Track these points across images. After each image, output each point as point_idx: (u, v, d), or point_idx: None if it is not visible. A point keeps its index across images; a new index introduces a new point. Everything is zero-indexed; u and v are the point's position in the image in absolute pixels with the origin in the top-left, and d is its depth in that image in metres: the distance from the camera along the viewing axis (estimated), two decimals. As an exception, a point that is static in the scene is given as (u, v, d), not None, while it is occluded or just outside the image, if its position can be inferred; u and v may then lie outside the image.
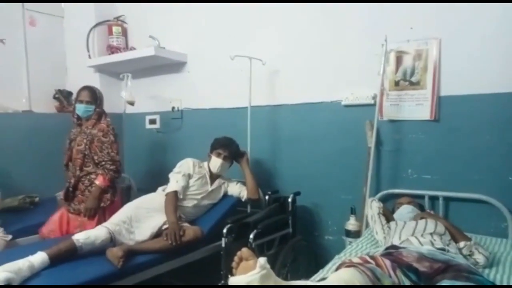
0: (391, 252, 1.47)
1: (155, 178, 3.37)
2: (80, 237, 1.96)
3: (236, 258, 1.10)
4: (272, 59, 2.68)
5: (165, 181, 2.72)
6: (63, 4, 3.68)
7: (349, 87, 2.43)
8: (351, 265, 1.26)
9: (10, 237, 2.40)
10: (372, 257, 1.35)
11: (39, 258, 1.78)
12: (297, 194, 2.53)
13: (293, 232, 2.48)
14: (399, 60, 2.27)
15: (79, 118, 2.61)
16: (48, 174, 3.17)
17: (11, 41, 3.36)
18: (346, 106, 2.46)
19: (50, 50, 3.62)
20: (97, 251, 1.99)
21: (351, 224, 2.32)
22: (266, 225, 2.22)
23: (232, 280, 1.07)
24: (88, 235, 2.00)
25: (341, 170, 2.51)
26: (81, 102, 2.56)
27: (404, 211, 2.02)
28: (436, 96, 2.16)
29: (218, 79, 3.04)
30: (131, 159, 3.54)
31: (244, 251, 1.09)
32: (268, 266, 1.06)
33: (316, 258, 2.54)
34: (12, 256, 1.76)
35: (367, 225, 2.20)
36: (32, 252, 1.82)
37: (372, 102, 2.33)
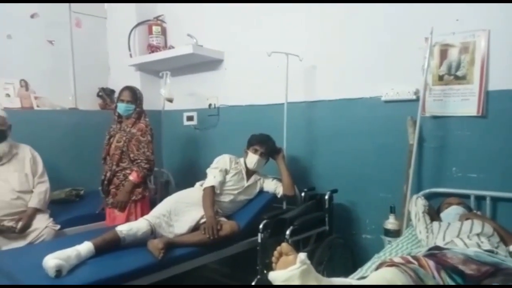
0: (435, 253, 1.41)
1: (192, 173, 3.45)
2: (123, 229, 2.05)
3: (276, 253, 1.10)
4: (309, 54, 2.66)
5: (202, 176, 2.77)
6: (106, 5, 3.84)
7: (389, 82, 2.36)
8: (392, 264, 1.23)
9: (58, 227, 2.54)
10: (415, 257, 1.31)
11: (86, 247, 1.87)
12: (334, 191, 2.50)
13: (329, 229, 2.46)
14: (443, 54, 2.17)
15: (119, 116, 2.71)
16: (92, 168, 3.30)
17: (59, 42, 3.55)
18: (386, 101, 2.39)
19: (94, 50, 3.79)
20: (139, 243, 2.06)
21: (390, 223, 2.26)
22: (302, 222, 2.21)
23: (272, 275, 1.07)
24: (131, 227, 2.08)
25: (380, 167, 2.45)
26: (122, 101, 2.66)
27: (453, 212, 1.94)
28: (484, 91, 2.05)
29: (254, 76, 3.05)
30: (170, 155, 3.64)
31: (284, 246, 1.09)
32: (308, 261, 1.05)
33: (353, 257, 2.50)
34: (61, 245, 1.85)
35: (408, 225, 2.14)
36: (79, 242, 1.91)
37: (414, 97, 2.25)
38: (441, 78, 2.19)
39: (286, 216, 2.22)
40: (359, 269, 1.62)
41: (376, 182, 2.46)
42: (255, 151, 2.55)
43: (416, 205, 2.04)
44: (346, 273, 1.56)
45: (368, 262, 1.68)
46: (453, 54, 2.14)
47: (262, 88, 3.01)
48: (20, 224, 2.38)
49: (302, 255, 1.05)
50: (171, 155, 3.65)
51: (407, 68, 2.28)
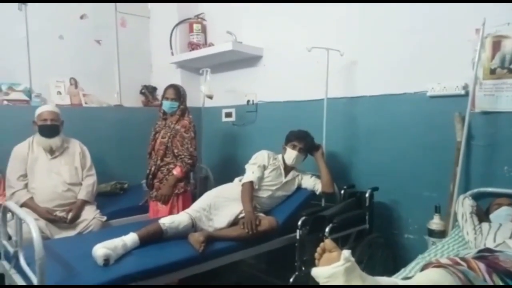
0: (486, 256, 1.34)
1: (230, 169, 3.50)
2: (166, 221, 2.11)
3: (319, 249, 1.09)
4: (350, 49, 2.60)
5: (240, 172, 2.80)
6: (149, 5, 3.96)
7: (436, 76, 2.26)
8: (439, 265, 1.18)
9: (105, 218, 2.66)
10: (463, 259, 1.25)
11: (131, 238, 1.95)
12: (375, 189, 2.44)
13: (369, 228, 2.40)
14: (496, 46, 2.04)
15: (164, 113, 2.80)
16: (135, 162, 3.43)
17: (106, 42, 3.71)
18: (432, 97, 2.29)
19: (137, 48, 3.93)
20: (180, 235, 2.12)
21: (435, 223, 2.17)
22: (342, 219, 2.18)
23: (315, 271, 1.07)
24: (173, 220, 2.14)
25: (424, 165, 2.35)
26: (167, 99, 2.75)
27: (503, 213, 1.83)
28: (541, 85, 1.91)
29: (293, 72, 3.03)
30: (208, 150, 3.71)
31: (328, 242, 1.08)
32: (352, 259, 1.04)
33: (394, 257, 2.43)
34: (107, 235, 1.94)
35: (454, 225, 2.04)
36: (124, 233, 1.99)
37: (463, 92, 2.14)
38: (493, 71, 2.06)
39: (325, 214, 2.19)
40: (403, 269, 1.57)
41: (420, 180, 2.37)
42: (294, 147, 2.54)
43: (463, 206, 1.95)
44: (386, 273, 1.52)
45: (411, 262, 1.63)
46: (508, 46, 2.00)
47: (300, 84, 2.99)
48: (70, 215, 2.52)
49: (346, 252, 1.03)
50: (210, 151, 3.71)
51: (455, 62, 2.17)
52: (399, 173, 2.47)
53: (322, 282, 1.06)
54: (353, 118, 2.70)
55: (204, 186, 3.35)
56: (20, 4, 3.19)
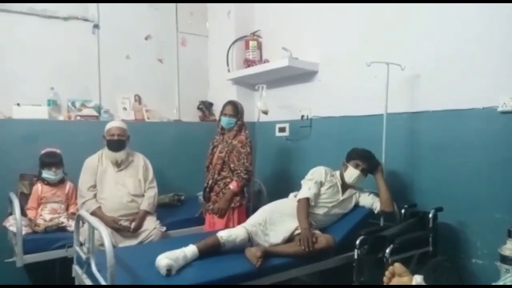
0: None
1: (283, 184, 3.50)
2: (224, 234, 2.15)
3: (387, 273, 1.05)
4: (411, 63, 2.52)
5: (293, 187, 2.79)
6: (207, 24, 4.15)
7: (508, 90, 2.11)
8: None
9: (164, 228, 2.77)
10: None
11: (191, 250, 2.01)
12: (439, 209, 2.30)
13: (433, 251, 2.27)
14: None
15: (222, 128, 2.89)
16: (191, 175, 3.56)
17: (167, 60, 3.93)
18: (503, 112, 2.14)
19: (196, 66, 4.11)
20: (237, 249, 2.15)
21: (509, 248, 1.99)
22: (404, 240, 2.09)
23: (384, 296, 1.03)
24: (230, 233, 2.18)
25: (496, 185, 2.19)
26: (225, 115, 2.85)
27: None
28: None
29: (350, 87, 2.99)
30: (262, 165, 3.73)
31: (398, 266, 1.04)
32: (425, 284, 0.99)
33: (461, 283, 2.27)
34: (167, 246, 2.02)
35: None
36: (183, 244, 2.05)
37: (541, 107, 1.98)
38: None
39: (386, 234, 2.11)
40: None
41: (491, 201, 2.21)
42: (356, 166, 2.49)
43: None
44: None
45: (486, 291, 1.51)
46: None
47: (357, 98, 2.94)
48: (133, 224, 2.66)
49: (419, 278, 0.99)
50: (263, 165, 3.73)
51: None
52: (466, 193, 2.32)
53: (391, 307, 1.02)
54: (414, 134, 2.59)
55: (257, 200, 3.37)
56: (93, 28, 3.48)
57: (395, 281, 1.03)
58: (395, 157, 2.61)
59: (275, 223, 2.37)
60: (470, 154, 2.30)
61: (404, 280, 1.01)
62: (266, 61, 3.59)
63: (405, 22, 2.62)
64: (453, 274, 2.28)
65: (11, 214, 2.59)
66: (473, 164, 2.29)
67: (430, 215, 2.26)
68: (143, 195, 2.84)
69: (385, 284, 1.06)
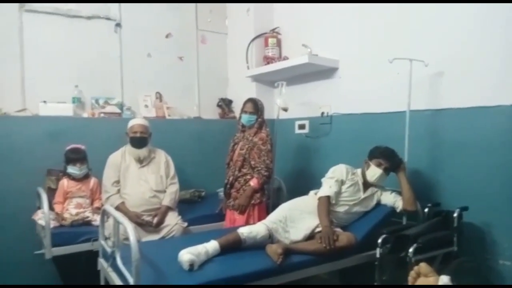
0: None
1: (303, 181, 3.49)
2: (244, 231, 2.17)
3: (413, 273, 1.04)
4: (435, 59, 2.46)
5: (313, 184, 2.77)
6: (227, 21, 4.16)
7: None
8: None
9: (186, 224, 2.82)
10: None
11: (213, 246, 2.03)
12: (464, 209, 2.25)
13: (458, 251, 2.23)
14: None
15: (243, 126, 2.91)
16: (211, 172, 3.60)
17: (187, 58, 3.97)
18: (533, 109, 2.08)
19: (215, 63, 4.13)
20: (257, 246, 2.16)
21: (538, 250, 1.95)
22: (427, 240, 2.05)
23: (410, 296, 1.02)
24: (251, 230, 2.19)
25: (524, 185, 2.13)
26: (246, 112, 2.86)
27: None
28: None
29: (371, 83, 2.95)
30: (281, 162, 3.73)
31: (423, 266, 1.02)
32: (452, 285, 0.97)
33: (487, 284, 2.22)
34: (189, 241, 2.03)
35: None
36: (204, 239, 2.07)
37: None
38: None
39: (409, 233, 2.08)
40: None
41: (518, 201, 2.15)
42: (379, 165, 2.46)
43: None
44: None
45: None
46: None
47: (379, 95, 2.90)
48: (156, 220, 2.71)
49: (445, 278, 0.97)
50: (283, 163, 3.73)
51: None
52: (492, 192, 2.26)
53: (417, 307, 1.01)
54: (438, 132, 2.54)
55: (276, 197, 3.37)
56: (116, 26, 3.54)
57: (421, 282, 1.01)
58: (418, 155, 2.57)
59: (296, 220, 2.37)
60: (496, 153, 2.24)
61: (430, 281, 0.99)
62: (286, 58, 3.58)
63: (428, 18, 2.56)
64: (478, 275, 2.24)
65: (39, 208, 2.68)
66: (500, 163, 2.22)
67: (455, 214, 2.22)
68: (164, 191, 2.89)
69: (409, 283, 1.05)
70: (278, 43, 3.75)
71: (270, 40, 3.71)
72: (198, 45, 4.01)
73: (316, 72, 3.37)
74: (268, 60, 3.66)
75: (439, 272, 2.02)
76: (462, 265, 2.17)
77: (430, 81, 2.56)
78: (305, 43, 3.27)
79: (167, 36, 3.84)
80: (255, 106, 2.86)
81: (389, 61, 2.40)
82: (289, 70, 3.39)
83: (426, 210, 2.37)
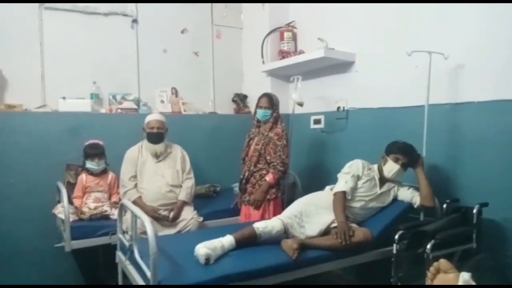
0: None
1: (318, 176, 3.47)
2: (260, 226, 2.17)
3: (432, 269, 1.02)
4: (455, 52, 2.40)
5: (328, 180, 2.75)
6: (242, 16, 4.15)
7: None
8: None
9: (201, 218, 2.84)
10: None
11: (228, 240, 2.04)
12: (484, 205, 2.21)
13: (477, 248, 2.18)
14: None
15: (258, 121, 2.91)
16: (226, 167, 3.61)
17: (203, 53, 3.98)
18: (559, 103, 2.01)
19: (230, 58, 4.13)
20: (273, 241, 2.16)
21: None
22: (446, 236, 2.02)
23: (428, 293, 1.00)
24: (266, 225, 2.19)
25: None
26: (261, 107, 2.86)
27: None
28: None
29: (388, 77, 2.90)
30: (296, 157, 3.70)
31: (443, 262, 1.00)
32: (473, 283, 0.95)
33: (507, 282, 2.17)
34: (205, 236, 2.05)
35: None
36: (219, 234, 2.09)
37: None
38: None
39: (427, 228, 2.05)
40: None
41: (541, 198, 2.09)
42: (397, 160, 2.42)
43: None
44: None
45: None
46: None
47: (396, 89, 2.84)
48: (172, 214, 2.75)
49: (466, 275, 0.95)
50: (298, 158, 3.71)
51: None
52: (513, 188, 2.20)
53: (436, 305, 0.99)
54: (458, 127, 2.48)
55: (292, 192, 3.37)
56: (132, 23, 3.58)
57: (440, 278, 0.99)
58: (437, 150, 2.52)
59: (311, 215, 2.36)
60: (518, 148, 2.18)
61: (450, 277, 0.97)
62: (301, 52, 3.54)
63: (447, 8, 2.49)
64: (497, 272, 2.19)
65: (59, 202, 2.74)
66: (522, 158, 2.17)
67: (475, 211, 2.17)
68: (180, 186, 2.92)
69: (429, 280, 1.03)
70: (294, 37, 3.72)
71: (286, 34, 3.68)
72: (213, 40, 4.01)
73: (332, 66, 3.33)
74: (283, 54, 3.64)
75: (458, 269, 1.99)
76: (482, 262, 2.13)
77: (449, 74, 2.50)
78: (321, 37, 3.23)
79: (182, 32, 3.85)
80: (270, 101, 2.85)
81: (408, 54, 2.35)
82: (304, 65, 3.36)
83: (444, 206, 2.33)
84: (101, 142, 2.94)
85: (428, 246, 1.96)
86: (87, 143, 2.91)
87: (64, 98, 3.18)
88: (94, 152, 2.86)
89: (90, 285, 2.91)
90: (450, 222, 2.17)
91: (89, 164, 2.85)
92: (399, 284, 2.14)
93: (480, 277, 2.08)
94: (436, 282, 1.01)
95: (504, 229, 2.26)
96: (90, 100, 3.32)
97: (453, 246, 2.10)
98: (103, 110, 3.39)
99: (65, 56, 3.33)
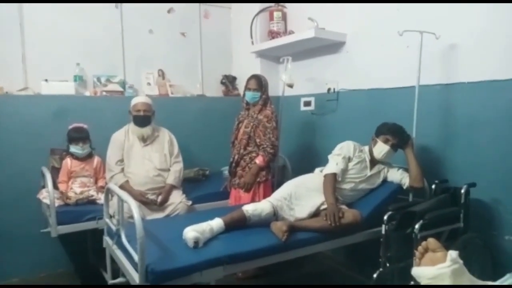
0: None
1: (308, 159, 3.46)
2: (249, 208, 2.16)
3: (420, 248, 1.01)
4: (447, 31, 2.37)
5: (318, 162, 2.74)
6: (231, -5, 4.03)
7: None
8: None
9: (190, 202, 2.81)
10: None
11: (217, 223, 2.02)
12: (471, 185, 2.22)
13: (464, 227, 2.21)
14: None
15: (247, 103, 2.87)
16: (215, 150, 3.57)
17: (190, 34, 3.86)
18: (548, 83, 2.00)
19: (219, 39, 4.02)
20: (262, 223, 2.15)
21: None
22: (434, 216, 2.03)
23: (417, 271, 0.99)
24: (256, 207, 2.18)
25: (535, 161, 2.08)
26: (249, 89, 2.81)
27: None
28: None
29: (379, 58, 2.86)
30: (286, 140, 3.69)
31: (432, 241, 1.00)
32: (461, 261, 0.95)
33: (493, 260, 2.20)
34: (193, 219, 2.04)
35: None
36: (208, 217, 2.07)
37: None
38: None
39: (415, 209, 2.06)
40: (508, 274, 1.40)
41: (529, 177, 2.10)
42: (386, 141, 2.41)
43: None
44: (484, 278, 1.38)
45: (521, 268, 1.44)
46: None
47: (387, 70, 2.81)
48: (160, 198, 2.71)
49: (454, 253, 0.95)
50: (288, 140, 3.70)
51: None
52: (502, 169, 2.21)
53: (424, 282, 0.98)
54: (448, 108, 2.47)
55: (281, 175, 3.36)
56: (117, 2, 3.45)
57: (428, 257, 0.99)
58: (427, 131, 2.51)
59: (301, 197, 2.36)
60: (508, 129, 2.18)
61: (438, 256, 0.97)
62: (291, 32, 3.47)
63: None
64: (484, 251, 2.22)
65: (44, 187, 2.68)
66: (511, 140, 2.17)
67: (462, 191, 2.19)
68: (168, 170, 2.88)
69: (417, 259, 1.02)
70: (284, 17, 3.64)
71: (275, 14, 3.60)
72: (201, 20, 3.90)
73: (323, 46, 3.28)
74: (273, 34, 3.57)
75: (446, 248, 2.01)
76: (468, 241, 2.16)
77: (441, 55, 2.47)
78: (311, 16, 3.16)
79: (169, 11, 3.73)
80: (259, 83, 2.80)
81: (399, 33, 2.31)
82: (294, 45, 3.29)
83: (433, 186, 2.34)
84: (85, 126, 2.86)
85: (417, 226, 1.97)
86: (70, 127, 2.83)
87: (46, 80, 3.08)
88: (78, 136, 2.79)
89: (84, 285, 2.89)
90: (439, 203, 2.18)
91: (73, 149, 2.79)
92: (387, 264, 2.16)
93: (467, 255, 2.12)
94: (424, 260, 1.01)
95: (492, 209, 2.28)
96: (74, 82, 3.22)
97: (441, 226, 2.11)
98: (87, 93, 3.29)
99: (47, 36, 3.20)
